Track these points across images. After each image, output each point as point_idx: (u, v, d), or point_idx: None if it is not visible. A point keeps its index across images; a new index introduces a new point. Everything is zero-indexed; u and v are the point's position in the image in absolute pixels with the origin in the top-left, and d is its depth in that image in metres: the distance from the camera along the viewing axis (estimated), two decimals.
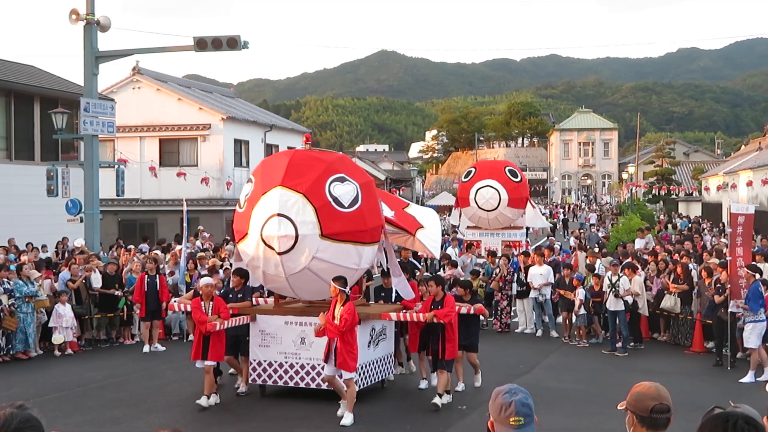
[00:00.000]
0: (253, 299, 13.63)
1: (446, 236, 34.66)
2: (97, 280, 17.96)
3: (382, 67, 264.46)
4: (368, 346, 12.56)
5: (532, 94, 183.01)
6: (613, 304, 17.33)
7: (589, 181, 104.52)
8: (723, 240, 27.12)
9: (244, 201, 12.28)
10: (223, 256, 20.81)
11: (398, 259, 20.17)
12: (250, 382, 12.86)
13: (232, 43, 20.42)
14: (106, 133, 22.31)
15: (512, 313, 20.19)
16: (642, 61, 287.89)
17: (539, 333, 19.28)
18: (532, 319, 19.82)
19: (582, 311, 18.05)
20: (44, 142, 28.49)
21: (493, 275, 20.05)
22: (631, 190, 64.89)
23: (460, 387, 13.31)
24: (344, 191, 11.92)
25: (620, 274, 17.57)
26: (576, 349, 17.80)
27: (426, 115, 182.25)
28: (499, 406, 3.61)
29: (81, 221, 22.10)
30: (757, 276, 15.14)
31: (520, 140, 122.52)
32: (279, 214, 11.59)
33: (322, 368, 11.78)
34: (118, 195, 23.50)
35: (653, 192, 64.60)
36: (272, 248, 11.68)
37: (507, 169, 25.91)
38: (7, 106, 27.78)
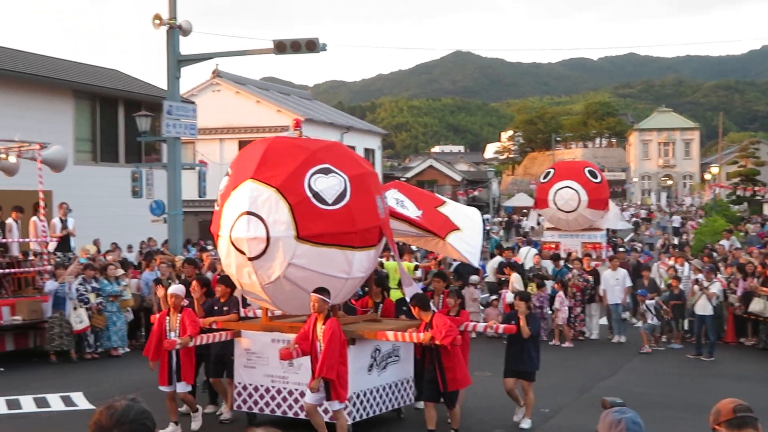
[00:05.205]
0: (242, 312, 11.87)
1: (521, 239, 34.43)
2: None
3: (457, 67, 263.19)
4: (369, 370, 10.74)
5: (610, 93, 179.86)
6: (701, 308, 16.95)
7: (669, 182, 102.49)
8: None
9: (219, 197, 10.71)
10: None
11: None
12: (235, 408, 11.27)
13: (311, 46, 20.49)
14: (188, 136, 22.61)
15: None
16: (724, 59, 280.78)
17: (622, 339, 18.85)
18: (598, 325, 19.49)
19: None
20: (128, 145, 29.15)
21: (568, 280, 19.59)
22: (714, 191, 63.44)
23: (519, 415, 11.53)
24: (328, 185, 10.11)
25: (713, 280, 17.21)
26: (659, 354, 17.44)
27: (501, 116, 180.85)
28: (608, 423, 3.67)
29: (164, 222, 22.50)
30: None
31: (597, 140, 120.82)
32: (248, 213, 9.96)
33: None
34: (200, 196, 23.85)
35: (737, 193, 62.98)
36: (242, 252, 10.09)
37: (587, 169, 25.48)
38: (93, 110, 28.52)
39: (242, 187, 10.16)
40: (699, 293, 17.09)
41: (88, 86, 28.15)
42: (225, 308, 11.51)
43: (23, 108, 24.89)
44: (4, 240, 17.33)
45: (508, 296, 17.67)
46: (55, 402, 12.84)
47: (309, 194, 10.02)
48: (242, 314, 11.80)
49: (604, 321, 19.69)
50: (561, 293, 18.41)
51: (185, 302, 11.11)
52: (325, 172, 10.20)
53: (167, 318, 10.86)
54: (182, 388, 10.87)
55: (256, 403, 10.96)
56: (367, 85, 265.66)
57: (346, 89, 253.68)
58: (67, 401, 12.86)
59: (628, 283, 19.02)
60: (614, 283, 18.93)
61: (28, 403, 12.72)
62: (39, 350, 16.62)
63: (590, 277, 19.35)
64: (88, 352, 16.62)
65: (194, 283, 12.36)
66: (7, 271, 16.69)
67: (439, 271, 15.46)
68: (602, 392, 11.73)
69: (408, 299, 11.16)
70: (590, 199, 24.46)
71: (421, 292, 11.20)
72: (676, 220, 52.98)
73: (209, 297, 12.06)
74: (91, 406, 12.25)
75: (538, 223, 27.53)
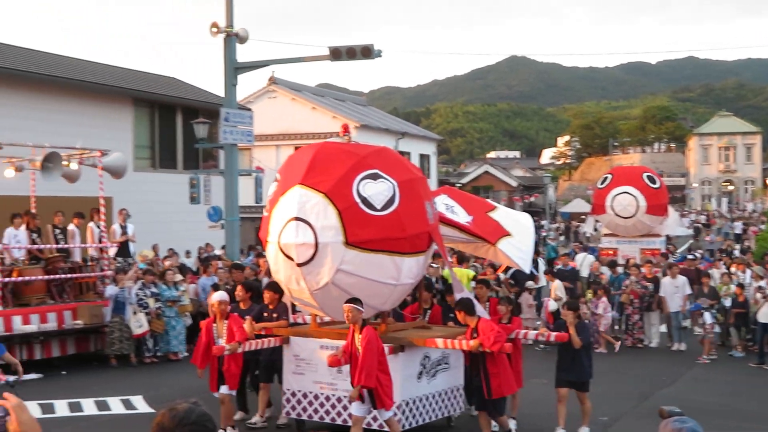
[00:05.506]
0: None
1: (578, 245, 33.94)
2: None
3: (513, 72, 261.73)
4: (419, 378, 10.59)
5: (669, 97, 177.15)
6: (764, 316, 16.59)
7: (730, 188, 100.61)
8: None
9: (267, 203, 10.74)
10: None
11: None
12: (284, 414, 11.29)
13: (366, 52, 20.55)
14: (244, 142, 22.83)
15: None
16: None
17: (682, 347, 18.53)
18: (658, 333, 19.18)
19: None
20: (186, 151, 29.52)
21: (623, 287, 19.30)
22: None
23: None
24: (377, 190, 9.99)
25: None
26: (720, 362, 17.13)
27: (557, 121, 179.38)
28: None
29: (222, 228, 22.72)
30: None
31: (656, 145, 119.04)
32: (296, 218, 9.88)
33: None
34: (256, 202, 24.05)
35: None
36: (291, 258, 10.02)
37: (645, 174, 25.19)
38: (152, 117, 28.93)
39: (290, 193, 10.12)
40: (762, 301, 16.74)
41: (148, 94, 28.59)
42: (274, 315, 11.45)
43: (85, 116, 25.35)
44: (66, 246, 17.67)
45: (551, 304, 17.40)
46: (116, 405, 13.04)
47: (357, 200, 9.93)
48: (291, 320, 11.72)
49: (663, 329, 19.40)
50: (604, 299, 18.02)
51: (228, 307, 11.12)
52: (374, 177, 10.10)
53: (214, 325, 10.89)
54: (224, 390, 10.84)
55: (305, 409, 10.88)
56: (422, 90, 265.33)
57: (401, 95, 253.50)
58: (127, 404, 13.06)
59: (688, 290, 18.72)
60: (674, 290, 18.65)
61: (89, 406, 12.94)
62: (99, 354, 16.92)
63: (649, 284, 19.07)
64: (147, 356, 16.87)
65: (239, 287, 12.42)
66: (69, 276, 17.03)
67: (482, 278, 15.17)
68: (662, 400, 11.56)
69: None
70: (649, 205, 24.18)
71: (468, 296, 10.93)
72: (738, 227, 51.89)
73: (256, 302, 12.01)
74: (151, 410, 12.44)
75: (596, 229, 27.30)
